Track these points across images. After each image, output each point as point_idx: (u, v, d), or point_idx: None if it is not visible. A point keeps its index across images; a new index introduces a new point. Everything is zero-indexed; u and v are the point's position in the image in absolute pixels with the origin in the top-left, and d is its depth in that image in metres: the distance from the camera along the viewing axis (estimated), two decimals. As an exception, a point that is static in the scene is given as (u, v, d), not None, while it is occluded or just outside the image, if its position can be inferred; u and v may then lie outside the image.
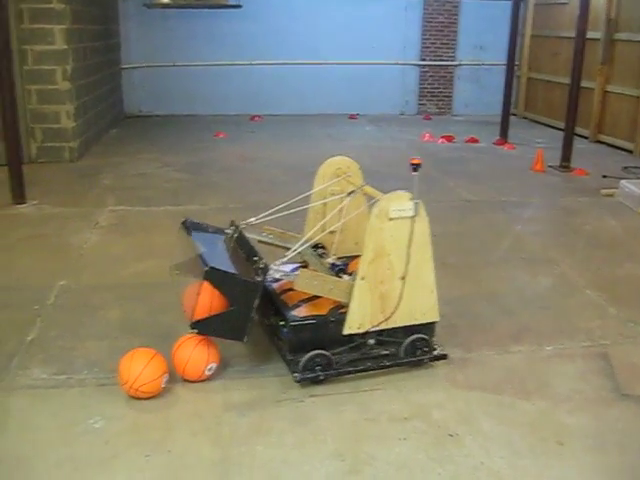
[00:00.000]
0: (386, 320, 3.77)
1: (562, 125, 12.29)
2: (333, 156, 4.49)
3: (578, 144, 10.68)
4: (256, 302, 3.56)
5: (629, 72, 10.69)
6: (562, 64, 12.69)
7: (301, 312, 3.79)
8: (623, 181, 8.20)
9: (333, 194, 4.38)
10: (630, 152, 10.52)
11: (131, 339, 4.09)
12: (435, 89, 13.95)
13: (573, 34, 10.99)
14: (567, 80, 12.31)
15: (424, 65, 13.77)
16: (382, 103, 13.67)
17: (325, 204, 4.37)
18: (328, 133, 11.51)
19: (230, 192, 7.60)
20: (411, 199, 3.67)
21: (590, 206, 7.53)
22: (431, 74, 13.84)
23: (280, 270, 3.75)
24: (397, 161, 9.46)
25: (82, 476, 3.00)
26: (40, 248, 5.72)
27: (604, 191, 8.11)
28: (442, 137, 11.18)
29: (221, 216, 6.54)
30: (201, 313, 3.55)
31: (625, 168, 9.48)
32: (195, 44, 12.61)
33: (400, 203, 3.67)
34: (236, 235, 4.07)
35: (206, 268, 3.48)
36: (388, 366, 3.85)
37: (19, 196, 6.89)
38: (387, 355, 3.87)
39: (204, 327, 3.56)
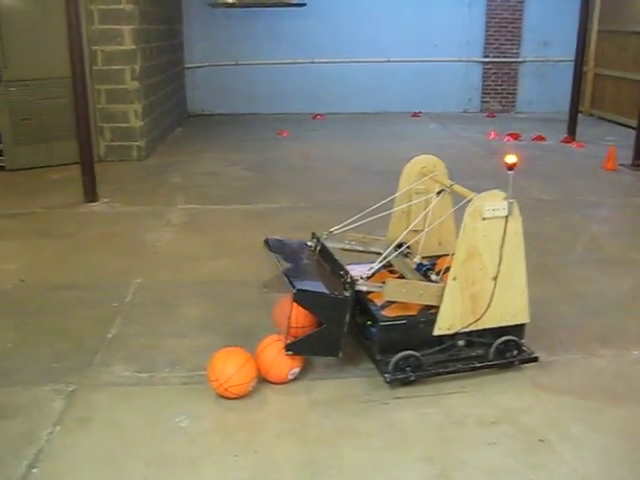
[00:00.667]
0: (476, 321, 3.70)
1: (632, 123, 11.99)
2: (417, 155, 4.40)
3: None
4: (347, 317, 3.55)
5: None
6: (630, 60, 12.34)
7: (391, 312, 3.72)
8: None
9: (418, 194, 4.30)
10: None
11: (210, 337, 4.09)
12: (498, 86, 13.70)
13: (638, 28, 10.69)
14: (636, 76, 12.05)
15: (487, 62, 13.54)
16: (445, 101, 13.48)
17: (410, 205, 4.29)
18: (391, 131, 11.42)
19: (298, 190, 7.58)
20: (505, 198, 3.60)
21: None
22: (494, 71, 13.60)
23: (367, 284, 3.66)
24: (465, 159, 9.33)
25: (171, 475, 2.99)
26: (115, 246, 5.78)
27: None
28: (508, 135, 10.96)
29: (292, 215, 6.57)
30: (294, 334, 3.62)
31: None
32: (257, 43, 12.65)
33: (494, 202, 3.59)
34: (319, 248, 4.07)
35: (294, 290, 3.48)
36: (478, 368, 3.77)
37: (91, 194, 6.99)
38: (475, 357, 3.79)
39: (298, 348, 3.58)
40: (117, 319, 4.42)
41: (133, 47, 8.61)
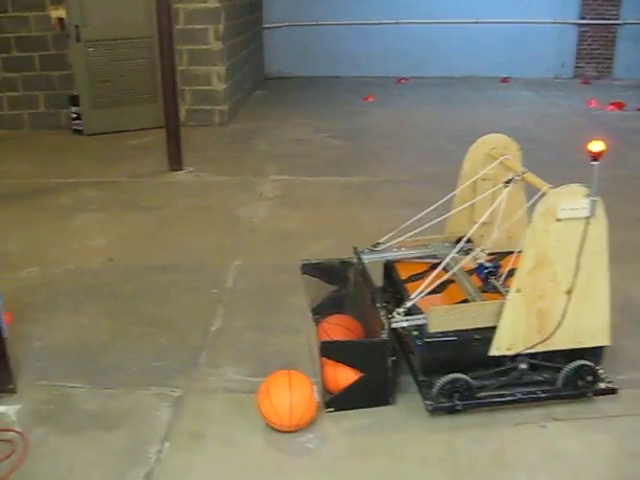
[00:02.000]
0: (543, 341, 3.05)
1: None
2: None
3: None
4: (390, 361, 3.00)
5: None
6: None
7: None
8: None
9: (485, 180, 3.64)
10: None
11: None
12: (594, 50, 12.71)
13: None
14: None
15: (584, 24, 12.54)
16: (535, 65, 12.58)
17: (475, 191, 3.65)
18: (483, 97, 10.66)
19: (396, 162, 6.99)
20: (587, 195, 2.88)
21: None
22: (591, 34, 12.60)
23: (407, 319, 3.05)
24: (568, 129, 8.58)
25: (306, 513, 2.50)
26: (207, 221, 5.32)
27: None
28: (611, 104, 10.07)
29: (394, 189, 6.02)
30: (332, 387, 3.08)
31: None
32: (339, 2, 11.98)
33: (573, 200, 2.88)
34: (361, 267, 3.52)
35: (319, 344, 3.01)
36: (542, 398, 3.12)
37: (176, 162, 6.54)
38: (540, 382, 3.16)
39: (341, 403, 3.04)
40: (219, 309, 3.95)
41: (217, 5, 8.07)
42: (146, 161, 6.88)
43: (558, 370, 3.15)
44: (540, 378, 3.17)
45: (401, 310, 3.05)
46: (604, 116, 9.55)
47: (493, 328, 3.05)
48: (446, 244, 3.74)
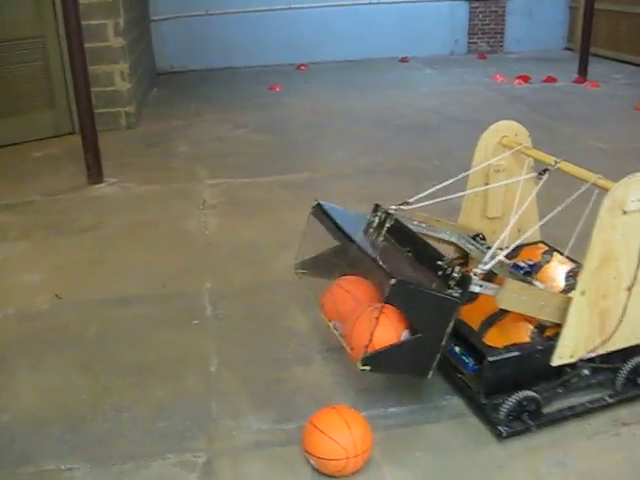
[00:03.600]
0: (604, 343, 2.84)
1: (631, 59, 11.43)
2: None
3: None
4: (450, 326, 2.56)
5: None
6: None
7: (492, 338, 2.82)
8: None
9: (498, 171, 3.47)
10: None
11: (340, 358, 3.14)
12: (486, 25, 12.81)
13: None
14: (635, 9, 11.35)
15: (474, 0, 12.58)
16: (430, 44, 12.52)
17: (487, 183, 3.47)
18: (390, 79, 10.43)
19: (330, 154, 6.58)
20: None
21: None
22: (481, 9, 12.68)
23: (482, 283, 2.64)
24: (488, 106, 8.51)
25: None
26: (154, 239, 4.71)
27: None
28: (517, 78, 10.13)
29: (343, 184, 5.69)
30: (380, 343, 2.55)
31: None
32: (229, -11, 11.36)
33: (639, 190, 2.68)
34: (388, 224, 3.10)
35: (392, 281, 2.46)
36: (611, 404, 2.88)
37: (96, 174, 5.85)
38: (596, 385, 2.94)
39: (378, 363, 2.55)
40: (209, 344, 3.42)
41: (114, -4, 7.31)
42: (57, 175, 6.11)
43: (616, 370, 2.92)
44: (595, 381, 2.92)
45: (477, 272, 2.62)
46: (515, 90, 9.57)
47: (551, 338, 2.79)
48: (462, 235, 3.45)
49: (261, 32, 11.62)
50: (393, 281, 2.46)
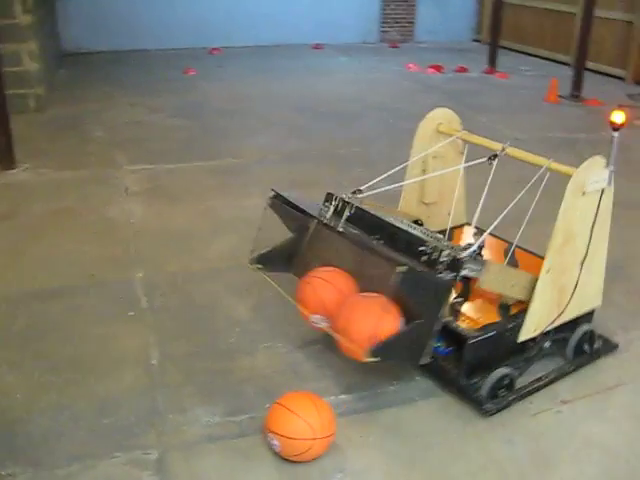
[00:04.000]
0: (560, 315, 3.01)
1: (535, 51, 11.86)
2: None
3: (565, 71, 10.17)
4: (443, 310, 2.62)
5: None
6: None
7: (466, 321, 2.94)
8: (661, 109, 7.71)
9: (436, 158, 3.54)
10: (621, 79, 10.05)
11: (287, 343, 3.12)
12: (398, 15, 12.95)
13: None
14: (539, 4, 11.77)
15: (386, -11, 12.70)
16: (343, 32, 12.55)
17: (425, 171, 3.53)
18: (305, 65, 10.38)
19: (253, 140, 6.49)
20: (607, 167, 2.91)
21: (635, 139, 6.90)
22: (393, -1, 12.82)
23: (471, 267, 2.69)
24: (405, 94, 8.65)
25: None
26: (78, 228, 4.50)
27: (638, 122, 7.55)
28: (431, 67, 10.31)
29: (268, 170, 5.66)
30: (383, 334, 2.57)
31: (630, 96, 9.01)
32: (137, -32, 10.98)
33: (598, 173, 2.89)
34: (348, 213, 3.07)
35: (401, 269, 2.47)
36: (572, 371, 3.08)
37: (7, 159, 5.54)
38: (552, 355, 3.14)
39: (385, 353, 2.54)
40: (148, 336, 3.30)
41: (19, -30, 6.91)
42: (-37, 160, 5.73)
43: (566, 340, 3.10)
44: (553, 352, 3.12)
45: (466, 254, 2.66)
46: (429, 79, 9.73)
47: (516, 316, 2.93)
48: (405, 221, 3.42)
49: (172, 15, 11.31)
50: (402, 269, 2.47)
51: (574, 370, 3.07)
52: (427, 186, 3.55)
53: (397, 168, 3.32)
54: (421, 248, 2.73)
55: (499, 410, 2.78)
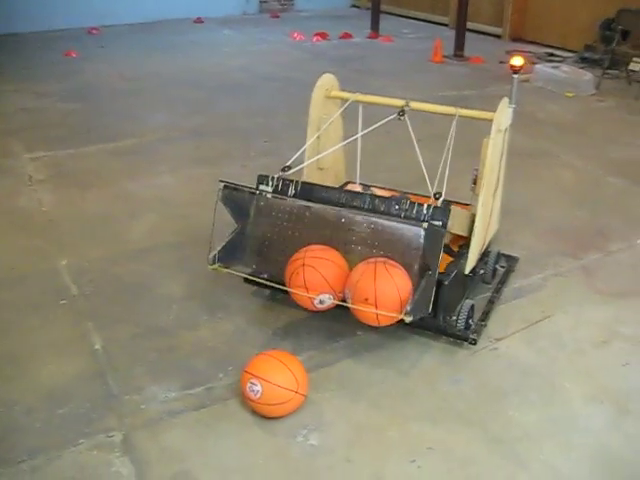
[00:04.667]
0: (484, 243, 3.31)
1: (414, 14, 12.21)
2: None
3: (445, 32, 10.53)
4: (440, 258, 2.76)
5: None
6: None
7: None
8: (538, 65, 8.15)
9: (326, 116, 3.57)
10: (498, 37, 10.52)
11: (229, 315, 3.17)
12: (276, -16, 12.92)
13: None
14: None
15: (262, -41, 12.62)
16: (223, 4, 12.42)
17: (319, 137, 3.54)
18: (189, 40, 10.21)
19: (152, 118, 6.38)
20: (509, 106, 3.24)
21: (520, 93, 7.16)
22: (271, -32, 12.76)
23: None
24: (295, 64, 8.69)
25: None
26: (-14, 220, 4.32)
27: (521, 77, 7.95)
28: (315, 35, 10.39)
29: (174, 148, 5.64)
30: (405, 293, 2.66)
31: (508, 52, 9.44)
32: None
33: (508, 112, 3.22)
34: (294, 190, 3.03)
35: (425, 225, 2.68)
36: (502, 287, 3.47)
37: None
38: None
39: (418, 310, 2.65)
40: (86, 323, 3.25)
41: None
42: None
43: (486, 263, 3.39)
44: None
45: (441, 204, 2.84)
46: (316, 47, 9.83)
47: (460, 251, 3.12)
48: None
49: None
50: (426, 225, 2.65)
51: (503, 285, 3.42)
52: (321, 152, 3.51)
53: (309, 142, 3.39)
54: (397, 206, 2.86)
55: (479, 336, 3.00)
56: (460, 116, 3.16)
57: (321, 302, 2.73)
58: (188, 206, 4.42)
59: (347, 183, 3.75)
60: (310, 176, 3.48)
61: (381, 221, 2.81)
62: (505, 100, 3.14)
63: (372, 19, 10.72)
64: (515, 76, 3.28)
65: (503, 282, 3.47)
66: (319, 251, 2.81)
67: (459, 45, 9.17)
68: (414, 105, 3.30)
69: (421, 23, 11.81)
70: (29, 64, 8.67)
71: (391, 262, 2.70)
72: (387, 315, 2.61)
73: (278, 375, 2.53)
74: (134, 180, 4.90)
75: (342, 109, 3.56)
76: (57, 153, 5.46)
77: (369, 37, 10.54)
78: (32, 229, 4.18)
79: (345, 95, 3.55)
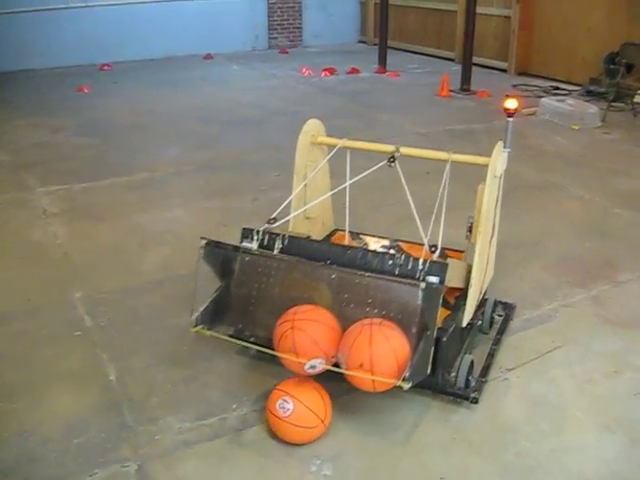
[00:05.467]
0: (480, 292, 3.20)
1: (420, 49, 12.38)
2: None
3: (451, 67, 10.67)
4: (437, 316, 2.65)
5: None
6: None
7: None
8: (544, 99, 8.24)
9: (314, 169, 3.48)
10: (504, 71, 10.64)
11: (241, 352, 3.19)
12: (285, 21, 13.16)
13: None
14: (419, 4, 12.27)
15: (271, -4, 12.87)
16: (232, 40, 12.64)
17: (306, 185, 3.45)
18: (200, 76, 10.39)
19: (164, 152, 6.48)
20: (504, 150, 3.13)
21: (526, 126, 7.43)
22: (279, 5, 13.00)
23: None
24: (304, 98, 8.82)
25: None
26: (2, 254, 4.39)
27: (525, 110, 8.05)
28: (324, 70, 10.55)
29: (184, 181, 5.71)
30: (403, 357, 2.53)
31: (514, 86, 9.57)
32: (18, -14, 10.63)
33: (503, 156, 3.11)
34: (281, 245, 2.95)
35: (423, 285, 2.54)
36: (501, 338, 3.36)
37: None
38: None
39: (416, 374, 2.50)
40: (101, 354, 3.29)
41: None
42: None
43: (483, 313, 3.32)
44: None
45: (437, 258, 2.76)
46: (324, 82, 9.97)
47: (456, 303, 3.03)
48: None
49: (58, 32, 11.05)
50: (424, 285, 2.54)
51: (502, 335, 3.34)
52: (308, 200, 3.45)
53: (296, 191, 3.34)
54: (391, 262, 2.76)
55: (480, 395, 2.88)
56: (453, 162, 3.10)
57: (312, 367, 2.56)
58: (200, 239, 4.45)
59: (335, 231, 3.70)
60: (297, 226, 3.37)
61: (375, 279, 2.67)
62: (499, 144, 3.04)
63: (379, 54, 10.88)
64: (510, 119, 3.17)
65: (502, 332, 3.38)
66: (309, 312, 2.65)
67: (465, 79, 9.29)
68: (404, 151, 3.21)
69: (428, 58, 11.97)
70: (43, 99, 8.83)
71: (387, 323, 2.57)
72: (384, 381, 2.48)
73: (311, 398, 2.57)
74: (146, 213, 4.97)
75: (329, 156, 3.47)
76: (71, 187, 5.55)
77: (376, 72, 10.69)
78: (47, 262, 4.24)
79: (332, 141, 3.45)
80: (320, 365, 2.56)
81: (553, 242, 4.47)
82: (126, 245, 4.47)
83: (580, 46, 9.46)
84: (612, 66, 8.46)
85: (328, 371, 2.58)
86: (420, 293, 2.54)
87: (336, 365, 2.58)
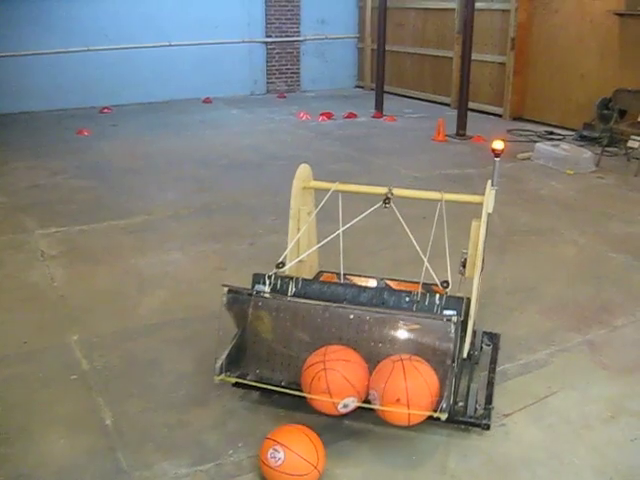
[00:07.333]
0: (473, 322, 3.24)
1: (416, 94, 12.56)
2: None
3: (447, 112, 10.82)
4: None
5: (487, 39, 10.83)
6: (408, 35, 12.75)
7: None
8: (538, 144, 8.34)
9: (309, 213, 3.59)
10: (499, 116, 10.78)
11: (235, 396, 3.18)
12: (283, 66, 13.36)
13: (418, 5, 11.19)
14: (415, 50, 12.50)
15: (270, 42, 13.08)
16: (231, 84, 12.81)
17: (299, 229, 3.53)
18: (199, 120, 10.51)
19: (162, 196, 6.53)
20: (492, 188, 3.23)
21: (521, 171, 7.50)
22: (278, 51, 13.21)
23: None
24: (301, 143, 8.92)
25: None
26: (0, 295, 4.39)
27: (520, 155, 8.15)
28: (321, 115, 10.69)
29: (181, 225, 5.77)
30: (435, 389, 2.70)
31: (509, 131, 9.70)
32: (20, 31, 10.80)
33: (493, 195, 3.21)
34: (294, 289, 3.11)
35: (454, 320, 2.73)
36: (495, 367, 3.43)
37: None
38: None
39: (449, 405, 2.69)
40: (96, 397, 3.28)
41: None
42: None
43: (472, 344, 3.26)
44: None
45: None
46: (321, 126, 10.09)
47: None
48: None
49: (59, 75, 11.18)
50: (455, 319, 2.70)
51: (496, 362, 3.41)
52: (301, 244, 3.53)
53: (297, 237, 3.42)
54: (407, 299, 2.92)
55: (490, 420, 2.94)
56: (446, 201, 3.20)
57: (345, 406, 2.65)
58: (197, 282, 4.50)
59: (321, 273, 3.75)
60: (289, 269, 3.41)
61: (400, 316, 2.83)
62: (489, 184, 3.16)
63: (376, 99, 11.02)
64: (497, 159, 3.28)
65: (494, 361, 3.43)
66: (339, 352, 2.74)
67: (461, 124, 9.42)
68: (397, 192, 3.30)
69: (424, 103, 12.13)
70: (42, 142, 8.92)
71: (415, 357, 2.70)
72: (420, 414, 2.58)
73: (301, 446, 2.56)
74: (144, 256, 5.00)
75: (324, 200, 3.50)
76: (69, 229, 5.58)
77: (373, 117, 10.83)
78: (44, 304, 4.25)
79: (325, 185, 3.54)
80: (352, 403, 2.65)
81: (549, 286, 4.49)
82: (123, 288, 4.48)
83: (574, 92, 9.62)
84: (605, 111, 8.60)
85: (326, 416, 2.59)
86: (451, 327, 2.70)
87: (366, 402, 2.67)
